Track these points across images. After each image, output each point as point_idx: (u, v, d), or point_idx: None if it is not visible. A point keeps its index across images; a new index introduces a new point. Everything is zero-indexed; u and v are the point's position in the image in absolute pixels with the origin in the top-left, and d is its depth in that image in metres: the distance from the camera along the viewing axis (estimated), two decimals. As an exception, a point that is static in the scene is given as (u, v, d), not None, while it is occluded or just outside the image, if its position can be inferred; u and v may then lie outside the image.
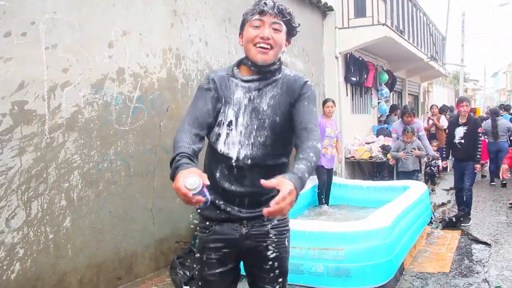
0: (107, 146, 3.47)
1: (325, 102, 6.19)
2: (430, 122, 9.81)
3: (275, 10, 1.77)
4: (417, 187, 5.52)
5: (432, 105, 10.72)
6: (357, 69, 8.49)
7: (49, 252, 3.04)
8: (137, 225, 3.73)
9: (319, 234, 3.63)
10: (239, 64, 1.92)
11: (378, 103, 10.25)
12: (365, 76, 8.87)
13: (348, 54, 8.20)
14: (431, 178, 8.38)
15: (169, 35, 4.16)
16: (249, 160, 1.80)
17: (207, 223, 1.87)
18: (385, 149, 7.69)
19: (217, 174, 1.84)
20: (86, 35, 3.32)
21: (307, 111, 1.85)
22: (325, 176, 5.92)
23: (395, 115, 10.38)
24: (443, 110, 10.25)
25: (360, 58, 8.75)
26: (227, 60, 4.99)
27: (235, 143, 1.81)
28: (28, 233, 2.91)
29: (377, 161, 7.90)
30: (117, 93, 3.58)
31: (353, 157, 8.00)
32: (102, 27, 3.46)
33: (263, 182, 1.48)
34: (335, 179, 6.50)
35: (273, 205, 1.41)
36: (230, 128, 1.82)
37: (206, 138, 1.81)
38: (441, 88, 23.05)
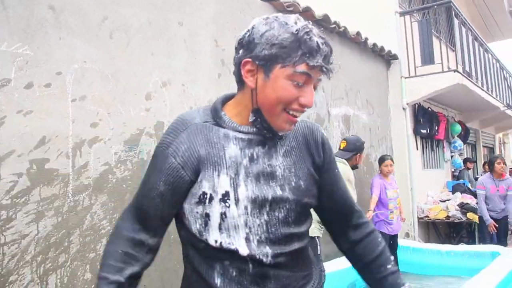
0: (140, 209, 3.05)
1: (382, 159, 5.40)
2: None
3: (328, 64, 1.17)
4: (510, 253, 4.66)
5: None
6: (426, 121, 7.83)
7: (67, 336, 2.59)
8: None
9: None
10: (223, 104, 1.31)
11: (451, 156, 9.41)
12: (436, 128, 8.17)
13: (416, 105, 7.60)
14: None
15: (216, 85, 3.80)
16: (268, 248, 1.22)
17: None
18: (464, 207, 6.82)
19: (217, 281, 1.23)
20: (120, 86, 3.01)
21: (342, 182, 1.43)
22: (387, 244, 5.07)
23: (469, 169, 9.54)
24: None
25: (430, 109, 8.10)
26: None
27: (238, 227, 1.21)
28: (43, 313, 2.49)
29: (455, 221, 7.01)
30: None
31: (427, 216, 7.16)
32: (139, 78, 3.15)
33: None
34: (408, 243, 5.73)
35: None
36: (227, 205, 1.20)
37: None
38: (518, 139, 21.43)
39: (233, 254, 1.21)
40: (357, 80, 6.23)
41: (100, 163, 2.85)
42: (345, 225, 1.43)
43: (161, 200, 1.23)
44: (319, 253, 3.93)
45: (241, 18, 4.16)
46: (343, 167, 4.20)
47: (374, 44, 6.47)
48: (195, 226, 1.23)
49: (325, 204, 1.39)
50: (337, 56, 5.64)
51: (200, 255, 1.26)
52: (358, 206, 1.47)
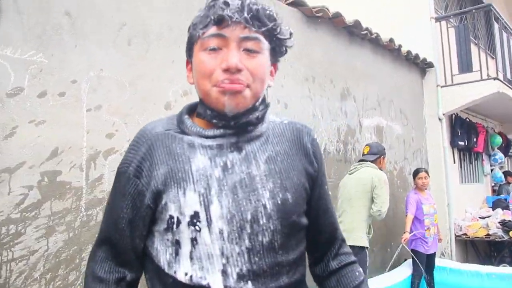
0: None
1: (416, 172, 5.16)
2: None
3: (245, 14, 1.01)
4: (558, 276, 4.30)
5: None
6: (464, 132, 7.48)
7: None
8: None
9: None
10: (191, 109, 1.15)
11: (491, 170, 8.98)
12: (475, 140, 7.81)
13: (453, 115, 7.27)
14: None
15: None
16: (249, 284, 0.99)
17: None
18: (506, 225, 6.42)
19: None
20: (138, 95, 2.88)
21: (331, 203, 1.24)
22: (423, 264, 4.80)
23: (510, 184, 9.09)
24: None
25: (468, 120, 7.75)
26: (311, 126, 4.36)
27: (213, 256, 0.99)
28: (51, 335, 2.35)
29: (496, 239, 6.60)
30: (173, 161, 3.06)
31: (465, 234, 6.77)
32: (158, 86, 3.02)
33: None
34: (444, 262, 5.40)
35: None
36: (197, 228, 0.99)
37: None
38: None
39: None
40: (390, 89, 5.99)
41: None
42: (326, 252, 1.23)
43: (131, 230, 1.06)
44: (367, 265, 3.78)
45: (267, 24, 4.00)
46: (374, 172, 4.10)
47: (408, 52, 6.24)
48: (165, 256, 1.04)
49: (310, 225, 1.17)
50: (369, 64, 5.45)
51: None
52: (342, 234, 1.28)
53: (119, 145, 2.75)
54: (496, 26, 6.73)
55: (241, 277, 0.99)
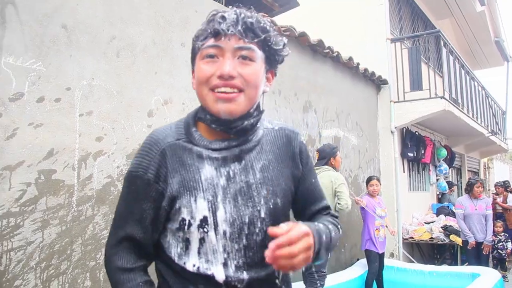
0: (139, 221, 3.17)
1: (369, 180, 5.62)
2: (499, 200, 9.09)
3: (239, 27, 1.13)
4: (489, 275, 4.83)
5: (497, 183, 9.98)
6: (414, 144, 8.06)
7: None
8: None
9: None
10: (195, 118, 1.27)
11: (437, 180, 9.63)
12: (423, 152, 8.40)
13: (404, 129, 7.83)
14: (500, 263, 7.52)
15: (213, 104, 3.95)
16: (245, 273, 1.19)
17: None
18: (447, 230, 7.01)
19: None
20: (124, 103, 3.15)
21: (318, 192, 1.39)
22: (377, 262, 5.27)
23: (451, 193, 9.77)
24: (507, 186, 9.54)
25: (417, 133, 8.33)
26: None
27: (217, 252, 1.18)
28: (44, 318, 2.58)
29: (439, 242, 7.19)
30: (154, 163, 3.33)
31: (412, 237, 7.33)
32: (142, 95, 3.29)
33: (269, 230, 1.04)
34: (392, 262, 5.88)
35: (278, 248, 1.01)
36: (206, 230, 1.17)
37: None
38: (502, 164, 21.84)
39: (209, 279, 1.18)
40: (348, 103, 6.43)
41: (103, 176, 2.98)
42: (310, 212, 1.39)
43: (153, 227, 1.21)
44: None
45: (240, 40, 4.33)
46: (331, 174, 4.64)
47: (366, 69, 6.69)
48: (176, 249, 1.21)
49: (299, 210, 1.37)
50: (330, 79, 5.87)
51: (176, 276, 1.22)
52: (330, 208, 1.44)
53: (107, 148, 3.01)
54: (444, 50, 7.32)
55: (238, 268, 1.18)
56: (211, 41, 1.14)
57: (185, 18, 3.71)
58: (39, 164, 2.62)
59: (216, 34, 1.13)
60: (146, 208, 1.19)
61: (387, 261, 5.74)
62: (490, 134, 10.47)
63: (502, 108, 13.38)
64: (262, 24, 1.16)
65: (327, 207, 1.41)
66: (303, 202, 1.36)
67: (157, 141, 1.21)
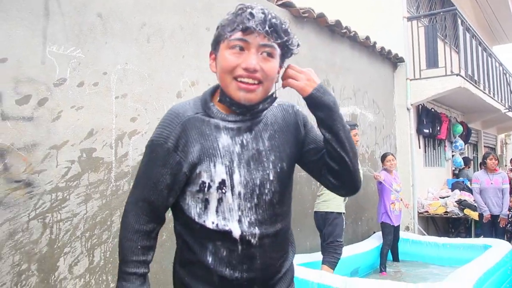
0: (171, 195, 3.42)
1: (384, 156, 5.82)
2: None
3: (267, 28, 1.25)
4: (500, 246, 5.03)
5: (512, 159, 10.07)
6: (429, 121, 8.17)
7: (109, 302, 2.98)
8: None
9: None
10: (212, 95, 1.43)
11: (452, 155, 9.75)
12: (438, 128, 8.52)
13: (420, 106, 7.94)
14: (514, 237, 7.69)
15: (235, 85, 4.16)
16: (256, 229, 1.35)
17: None
18: (461, 204, 7.18)
19: (209, 259, 1.36)
20: (155, 85, 3.38)
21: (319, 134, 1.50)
22: (391, 235, 5.50)
23: (468, 168, 9.86)
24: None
25: (433, 110, 8.44)
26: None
27: (232, 210, 1.34)
28: (90, 281, 2.87)
29: (453, 216, 7.38)
30: (183, 142, 3.57)
31: (427, 211, 7.53)
32: (171, 77, 3.52)
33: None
34: (408, 235, 6.11)
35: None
36: (224, 191, 1.33)
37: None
38: (520, 140, 21.70)
39: (226, 235, 1.33)
40: (365, 81, 6.58)
41: (137, 153, 3.22)
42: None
43: (168, 191, 1.35)
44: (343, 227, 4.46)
45: (260, 23, 4.50)
46: None
47: (382, 48, 6.81)
48: (195, 210, 1.35)
49: (317, 158, 1.47)
50: (347, 58, 6.03)
51: (195, 235, 1.36)
52: None
53: (140, 128, 3.25)
54: (460, 28, 7.37)
55: (250, 224, 1.35)
56: (239, 34, 1.26)
57: (209, 4, 3.89)
58: (81, 143, 2.88)
59: (245, 30, 1.25)
60: (163, 174, 1.33)
61: (402, 234, 5.97)
62: (507, 110, 10.48)
63: (520, 83, 13.30)
64: (284, 27, 1.30)
65: None
66: (315, 148, 1.47)
67: (178, 115, 1.35)
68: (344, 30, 5.71)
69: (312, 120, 1.49)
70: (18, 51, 2.57)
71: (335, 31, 5.73)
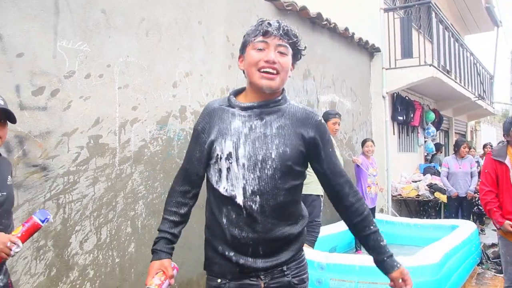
0: (169, 179, 3.69)
1: (364, 142, 6.22)
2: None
3: (281, 32, 1.64)
4: (466, 226, 5.49)
5: (485, 144, 10.57)
6: (403, 108, 8.58)
7: (115, 275, 3.27)
8: (194, 254, 3.91)
9: (369, 268, 3.70)
10: (237, 93, 1.81)
11: (425, 142, 10.22)
12: (412, 115, 8.93)
13: (395, 94, 8.32)
14: (479, 218, 8.23)
15: (226, 76, 4.45)
16: (258, 197, 1.63)
17: (219, 280, 1.71)
18: (432, 187, 7.66)
19: (224, 220, 1.68)
20: (153, 76, 3.63)
21: (335, 158, 1.78)
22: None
23: (440, 154, 10.33)
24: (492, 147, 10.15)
25: (407, 98, 8.84)
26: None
27: (238, 178, 1.65)
28: (98, 256, 3.15)
29: (424, 199, 7.85)
30: (179, 129, 3.86)
31: (400, 195, 7.98)
32: (168, 69, 3.77)
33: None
34: (382, 216, 6.53)
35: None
36: (230, 162, 1.65)
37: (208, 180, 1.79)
38: (489, 126, 22.54)
39: (233, 200, 1.64)
40: (343, 70, 6.91)
41: (139, 140, 3.49)
42: (342, 195, 1.79)
43: (198, 162, 1.77)
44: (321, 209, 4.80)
45: (248, 16, 4.77)
46: None
47: (360, 38, 7.13)
48: (214, 178, 1.71)
49: (323, 174, 1.78)
50: (327, 49, 6.34)
51: (215, 199, 1.71)
52: (351, 183, 1.82)
53: (140, 116, 3.51)
54: (434, 20, 7.75)
55: (253, 192, 1.63)
56: (260, 38, 1.65)
57: (201, -1, 4.15)
58: (89, 131, 3.13)
59: (265, 34, 1.64)
60: (194, 149, 1.79)
61: (377, 215, 6.38)
62: (477, 98, 10.98)
63: (490, 73, 13.87)
64: (294, 32, 1.70)
65: (349, 181, 1.81)
66: (328, 174, 1.77)
67: (207, 107, 1.81)
68: (325, 22, 6.00)
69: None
70: (33, 46, 2.80)
71: (316, 22, 6.02)
